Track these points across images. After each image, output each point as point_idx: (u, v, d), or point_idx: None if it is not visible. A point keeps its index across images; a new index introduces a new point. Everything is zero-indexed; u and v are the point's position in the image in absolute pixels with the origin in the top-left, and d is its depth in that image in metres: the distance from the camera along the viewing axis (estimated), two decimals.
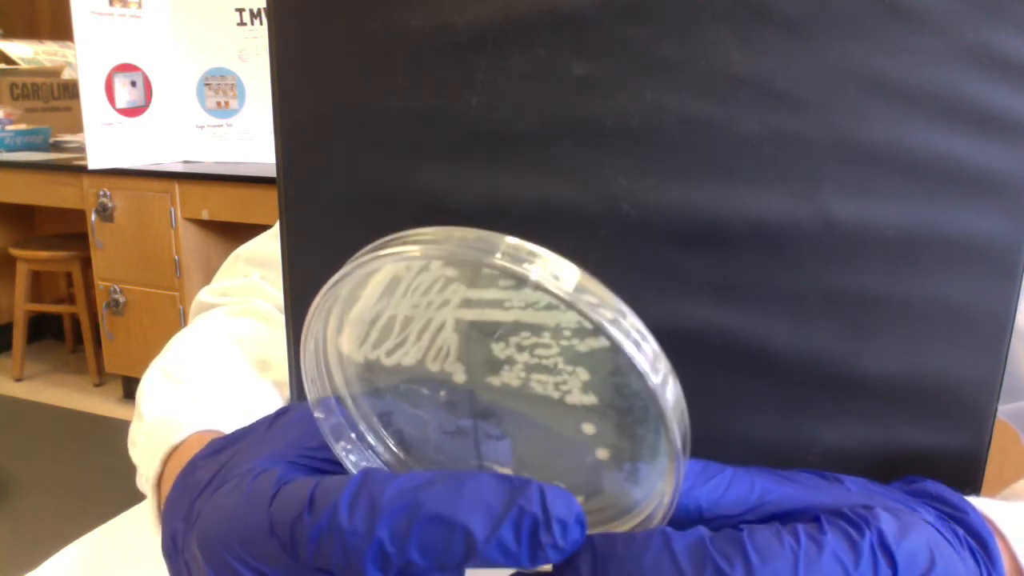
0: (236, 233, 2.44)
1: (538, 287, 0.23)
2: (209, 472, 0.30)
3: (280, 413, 0.32)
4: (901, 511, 0.27)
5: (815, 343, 0.30)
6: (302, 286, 0.36)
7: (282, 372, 0.50)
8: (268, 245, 0.61)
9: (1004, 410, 0.48)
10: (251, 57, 2.44)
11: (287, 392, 0.49)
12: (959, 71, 0.28)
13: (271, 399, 0.49)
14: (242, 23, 2.42)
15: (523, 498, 0.24)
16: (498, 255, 0.23)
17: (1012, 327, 0.30)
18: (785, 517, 0.27)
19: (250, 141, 2.51)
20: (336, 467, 0.30)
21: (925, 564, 0.25)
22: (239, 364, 0.51)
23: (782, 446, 0.31)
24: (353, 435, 0.30)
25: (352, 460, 0.30)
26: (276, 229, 0.59)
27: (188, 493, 0.30)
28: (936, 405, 0.31)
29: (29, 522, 2.01)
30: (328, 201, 0.34)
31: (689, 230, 0.30)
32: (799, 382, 0.31)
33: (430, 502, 0.24)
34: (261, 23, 2.41)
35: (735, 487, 0.28)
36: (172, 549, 0.30)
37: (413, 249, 0.24)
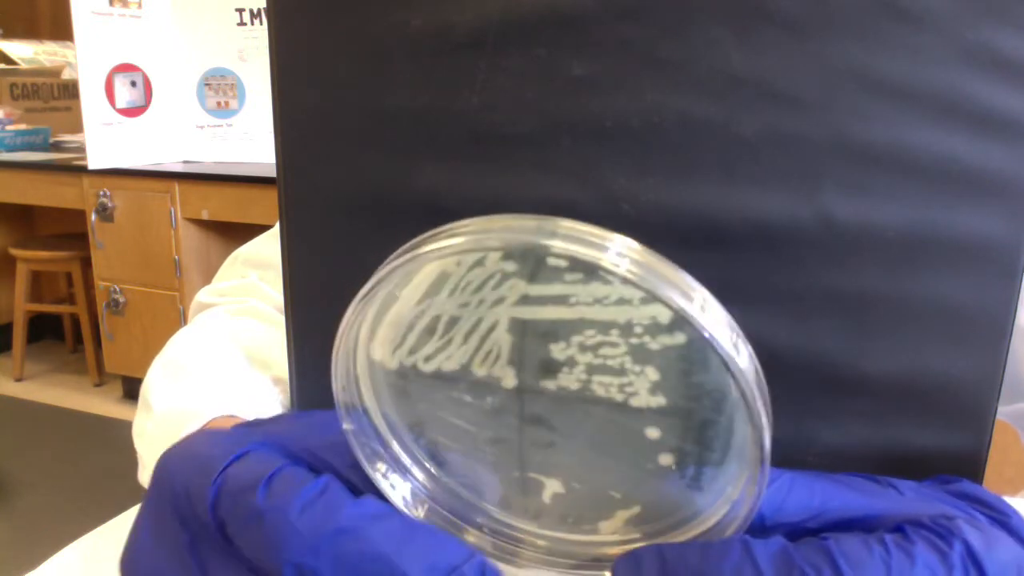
0: (236, 233, 2.44)
1: (626, 280, 0.21)
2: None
3: (303, 415, 0.32)
4: (981, 523, 0.26)
5: (815, 343, 0.30)
6: (302, 286, 0.36)
7: (281, 371, 0.50)
8: (267, 246, 0.61)
9: (1004, 410, 0.48)
10: (251, 57, 2.44)
11: (287, 389, 0.49)
12: (959, 71, 0.28)
13: (272, 396, 0.49)
14: (242, 23, 2.41)
15: (467, 566, 0.24)
16: (558, 241, 0.21)
17: (1012, 327, 0.30)
18: (850, 524, 0.26)
19: (250, 141, 2.50)
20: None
21: None
22: (240, 362, 0.51)
23: (782, 446, 0.31)
24: (385, 454, 0.28)
25: (388, 482, 0.28)
26: (275, 230, 0.59)
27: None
28: (936, 405, 0.31)
29: (29, 522, 2.00)
30: (328, 201, 0.34)
31: (689, 230, 0.30)
32: (799, 382, 0.31)
33: (380, 537, 0.24)
34: (261, 23, 2.41)
35: (796, 493, 0.27)
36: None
37: (462, 241, 0.21)
